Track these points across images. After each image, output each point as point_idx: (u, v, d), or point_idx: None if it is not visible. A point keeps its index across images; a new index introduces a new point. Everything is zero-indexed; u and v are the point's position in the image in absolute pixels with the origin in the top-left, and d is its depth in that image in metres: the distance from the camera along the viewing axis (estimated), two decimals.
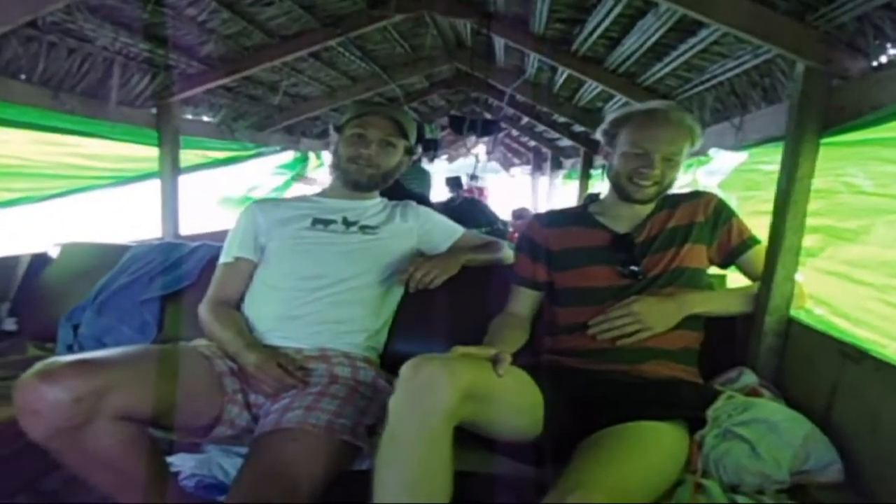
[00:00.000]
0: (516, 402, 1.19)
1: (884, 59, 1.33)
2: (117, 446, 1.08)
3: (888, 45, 1.31)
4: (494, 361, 1.13)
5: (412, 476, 0.96)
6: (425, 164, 4.67)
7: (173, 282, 1.91)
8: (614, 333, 1.38)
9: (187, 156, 2.97)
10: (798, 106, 1.43)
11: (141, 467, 1.12)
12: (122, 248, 2.10)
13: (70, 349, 1.83)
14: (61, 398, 1.00)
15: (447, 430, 0.99)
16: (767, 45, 1.50)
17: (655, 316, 1.37)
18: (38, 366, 1.04)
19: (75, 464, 1.08)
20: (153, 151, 2.72)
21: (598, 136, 1.57)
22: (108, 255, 2.08)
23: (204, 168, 3.32)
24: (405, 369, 1.02)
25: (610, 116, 1.53)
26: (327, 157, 2.77)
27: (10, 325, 2.00)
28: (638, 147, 1.43)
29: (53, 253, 2.16)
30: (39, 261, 2.13)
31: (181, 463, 1.39)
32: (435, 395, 0.98)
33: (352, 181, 1.66)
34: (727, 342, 1.59)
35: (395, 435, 0.98)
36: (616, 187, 1.51)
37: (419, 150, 4.71)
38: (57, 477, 1.35)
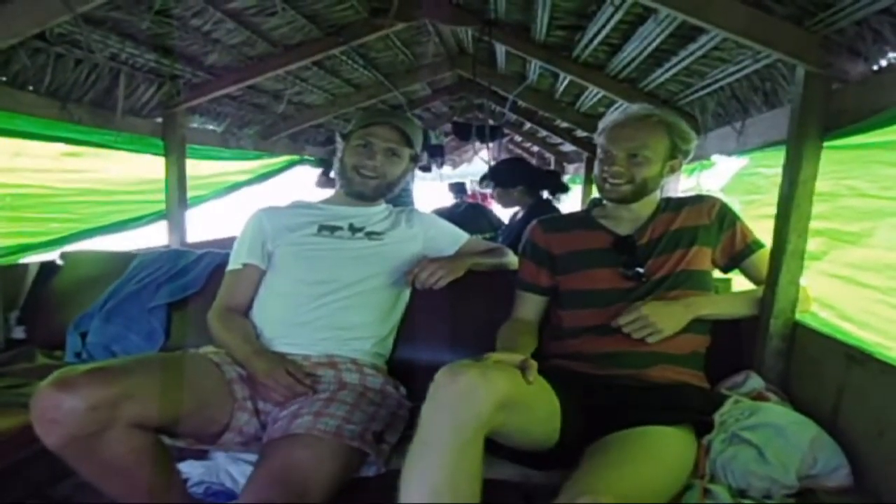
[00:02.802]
0: (541, 412, 1.18)
1: (884, 62, 1.34)
2: (131, 454, 1.09)
3: (888, 49, 1.32)
4: (522, 368, 1.11)
5: (441, 483, 0.94)
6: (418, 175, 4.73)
7: (180, 289, 1.93)
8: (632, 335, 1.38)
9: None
10: (799, 110, 1.44)
11: (153, 475, 1.12)
12: (129, 256, 2.12)
13: (78, 357, 1.84)
14: (78, 407, 1.01)
15: (479, 440, 0.98)
16: (767, 50, 1.51)
17: (664, 318, 1.37)
18: (55, 375, 1.05)
19: (88, 471, 1.09)
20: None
21: None
22: (115, 263, 2.09)
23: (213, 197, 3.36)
24: (441, 376, 0.99)
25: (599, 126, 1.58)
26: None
27: (19, 333, 2.01)
28: (605, 150, 1.49)
29: (61, 261, 2.17)
30: (47, 269, 2.14)
31: (189, 470, 1.40)
32: (472, 404, 0.96)
33: (356, 192, 1.67)
34: (733, 346, 1.60)
35: (426, 441, 0.96)
36: (599, 191, 1.56)
37: (425, 157, 4.73)
38: (67, 483, 1.36)
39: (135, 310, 1.89)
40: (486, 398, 0.96)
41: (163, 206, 2.78)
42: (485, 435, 0.99)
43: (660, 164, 1.48)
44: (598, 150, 1.53)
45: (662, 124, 1.47)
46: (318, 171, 4.60)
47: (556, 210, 3.06)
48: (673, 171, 1.53)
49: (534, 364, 1.12)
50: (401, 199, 3.72)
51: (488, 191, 3.42)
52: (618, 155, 1.46)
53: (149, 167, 2.72)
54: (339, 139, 1.70)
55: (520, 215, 3.18)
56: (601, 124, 1.55)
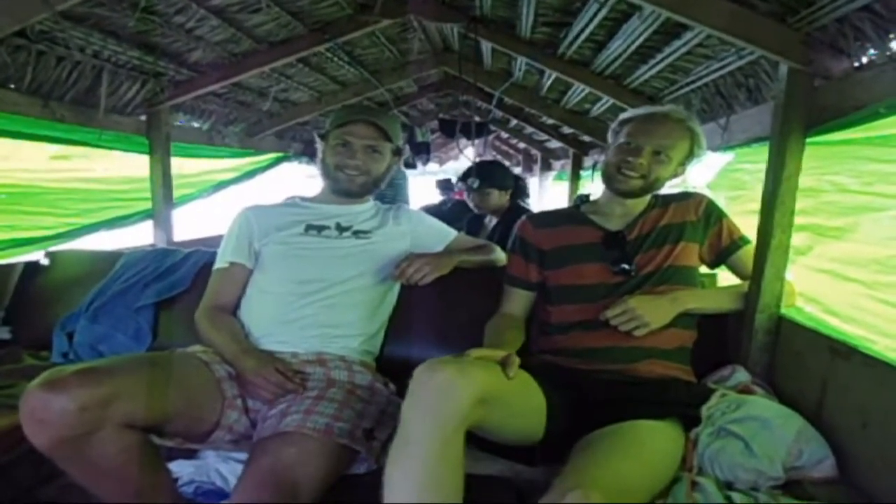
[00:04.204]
0: (523, 406, 1.19)
1: (864, 59, 1.36)
2: (120, 454, 1.08)
3: (868, 46, 1.34)
4: (503, 364, 1.12)
5: (424, 479, 0.95)
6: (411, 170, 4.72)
7: (167, 288, 1.91)
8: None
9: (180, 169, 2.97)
10: (783, 106, 1.46)
11: (142, 475, 1.12)
12: (115, 255, 2.10)
13: (65, 357, 1.82)
14: (67, 407, 1.00)
15: (460, 435, 0.99)
16: (751, 47, 1.53)
17: (651, 312, 1.38)
18: (44, 375, 1.04)
19: (77, 472, 1.08)
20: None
21: (609, 135, 1.60)
22: (101, 263, 2.07)
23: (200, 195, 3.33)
24: (419, 372, 1.00)
25: (621, 116, 1.58)
26: None
27: (5, 333, 1.98)
28: (631, 139, 1.49)
29: (46, 261, 2.14)
30: (32, 269, 2.11)
31: (179, 469, 1.39)
32: (450, 399, 0.97)
33: (343, 190, 1.66)
34: (719, 340, 1.62)
35: (408, 439, 0.97)
36: (605, 179, 1.55)
37: (407, 150, 4.72)
38: (55, 485, 1.35)
39: (122, 309, 1.87)
40: (464, 393, 0.97)
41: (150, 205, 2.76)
42: (466, 430, 1.00)
43: (674, 167, 1.51)
44: (620, 138, 1.52)
45: (690, 131, 1.49)
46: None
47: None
48: (677, 176, 1.55)
49: (516, 360, 1.14)
50: (397, 198, 3.72)
51: (461, 188, 3.38)
52: (644, 148, 1.47)
53: (137, 166, 2.69)
54: (317, 139, 1.69)
55: (490, 219, 3.14)
56: (627, 114, 1.55)
